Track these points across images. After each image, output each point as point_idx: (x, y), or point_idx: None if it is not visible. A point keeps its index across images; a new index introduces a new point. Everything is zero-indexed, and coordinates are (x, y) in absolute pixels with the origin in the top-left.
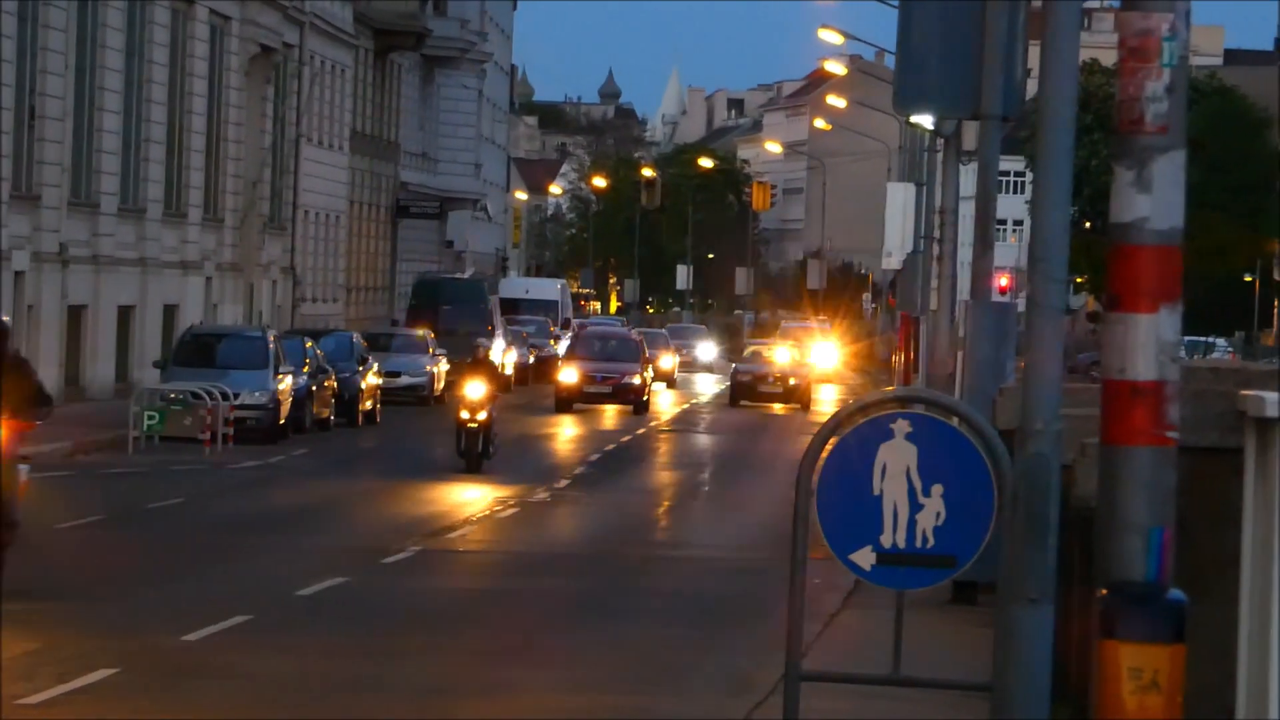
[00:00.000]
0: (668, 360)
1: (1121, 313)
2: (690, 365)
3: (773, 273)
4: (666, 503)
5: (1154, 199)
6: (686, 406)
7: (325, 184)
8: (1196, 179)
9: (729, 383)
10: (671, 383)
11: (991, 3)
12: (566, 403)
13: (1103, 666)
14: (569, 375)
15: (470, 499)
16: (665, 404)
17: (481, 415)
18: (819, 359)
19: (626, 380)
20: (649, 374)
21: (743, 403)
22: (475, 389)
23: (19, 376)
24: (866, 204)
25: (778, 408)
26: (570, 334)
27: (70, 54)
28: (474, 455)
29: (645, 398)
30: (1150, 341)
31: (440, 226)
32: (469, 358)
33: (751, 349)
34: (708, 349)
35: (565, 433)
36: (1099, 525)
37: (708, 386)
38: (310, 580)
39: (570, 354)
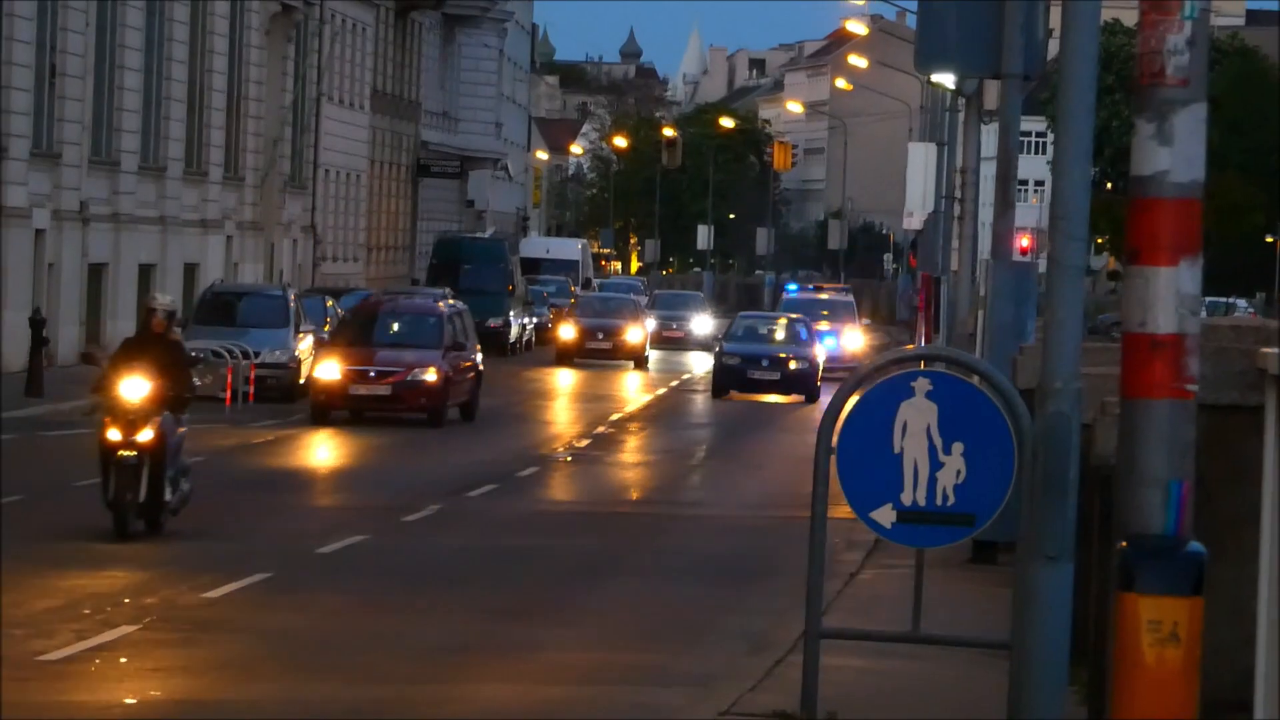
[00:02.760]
0: (636, 333)
1: (1141, 266)
2: (683, 341)
3: (793, 233)
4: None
5: (1174, 152)
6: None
7: (346, 143)
8: (1216, 139)
9: (713, 367)
10: (641, 363)
11: None
12: (325, 410)
13: (1121, 619)
14: (328, 370)
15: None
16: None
17: (145, 435)
18: (839, 338)
19: (414, 378)
20: (475, 362)
21: (732, 394)
22: (134, 387)
23: None
24: (887, 164)
25: (774, 400)
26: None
27: (91, 11)
28: (126, 507)
29: (444, 403)
30: (1170, 294)
31: (461, 186)
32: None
33: (745, 324)
34: (703, 322)
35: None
36: (1118, 478)
37: (696, 368)
38: (330, 538)
39: (334, 338)
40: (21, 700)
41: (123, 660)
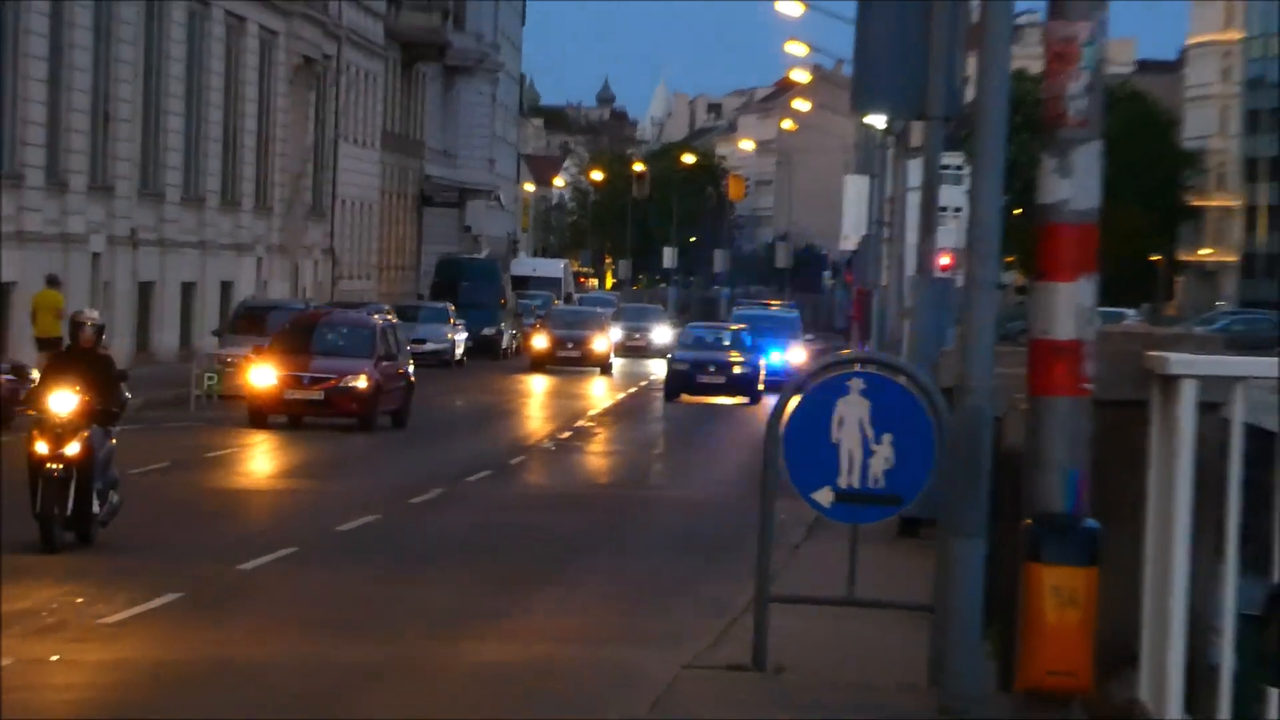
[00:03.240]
0: (601, 343)
1: (1046, 282)
2: (644, 350)
3: (746, 253)
4: None
5: (1074, 183)
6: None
7: (360, 177)
8: (1111, 174)
9: (665, 373)
10: (606, 368)
11: (935, 16)
12: (262, 414)
13: (1028, 586)
14: (264, 376)
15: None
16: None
17: (72, 449)
18: (784, 351)
19: (345, 384)
20: (407, 372)
21: (683, 396)
22: (62, 401)
23: None
24: (827, 193)
25: (721, 401)
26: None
27: (139, 63)
28: (53, 520)
29: (375, 409)
30: (1070, 306)
31: (459, 214)
32: (66, 340)
33: (694, 333)
34: (662, 331)
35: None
36: (1026, 464)
37: (658, 374)
38: (348, 517)
39: (276, 344)
40: (83, 659)
41: (169, 623)
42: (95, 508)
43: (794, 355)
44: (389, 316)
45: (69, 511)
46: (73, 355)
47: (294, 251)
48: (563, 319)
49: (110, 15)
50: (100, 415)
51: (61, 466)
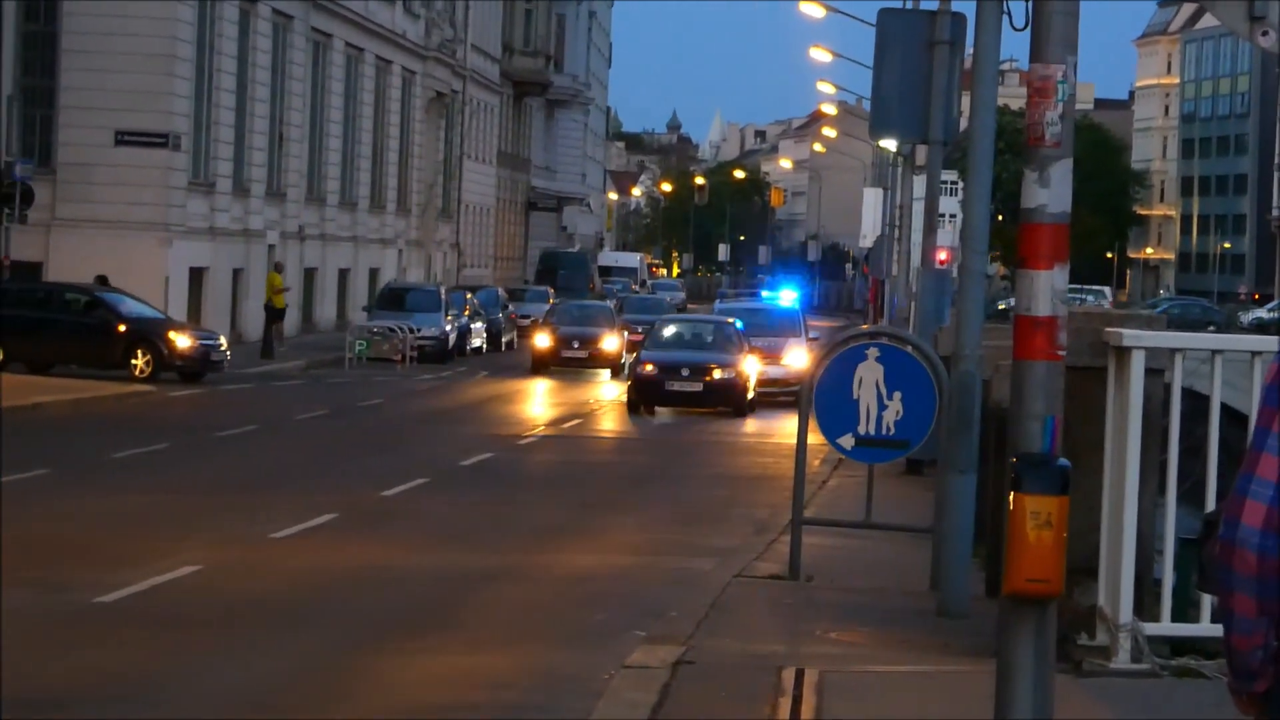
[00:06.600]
0: (612, 341)
1: (1027, 269)
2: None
3: (784, 249)
4: None
5: (1051, 191)
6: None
7: (480, 186)
8: (1076, 187)
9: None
10: (617, 369)
11: (935, 62)
12: None
13: (1012, 511)
14: None
15: None
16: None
17: None
18: (784, 355)
19: None
20: None
21: (651, 408)
22: None
23: None
24: (849, 202)
25: (697, 415)
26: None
27: (306, 95)
28: None
29: None
30: (1047, 289)
31: (558, 216)
32: None
33: (668, 327)
34: None
35: None
36: (1011, 415)
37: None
38: (469, 454)
39: None
40: (259, 564)
41: (327, 538)
42: None
43: (794, 359)
44: None
45: None
46: None
47: (428, 245)
48: (569, 315)
49: (286, 57)
50: None
51: None
